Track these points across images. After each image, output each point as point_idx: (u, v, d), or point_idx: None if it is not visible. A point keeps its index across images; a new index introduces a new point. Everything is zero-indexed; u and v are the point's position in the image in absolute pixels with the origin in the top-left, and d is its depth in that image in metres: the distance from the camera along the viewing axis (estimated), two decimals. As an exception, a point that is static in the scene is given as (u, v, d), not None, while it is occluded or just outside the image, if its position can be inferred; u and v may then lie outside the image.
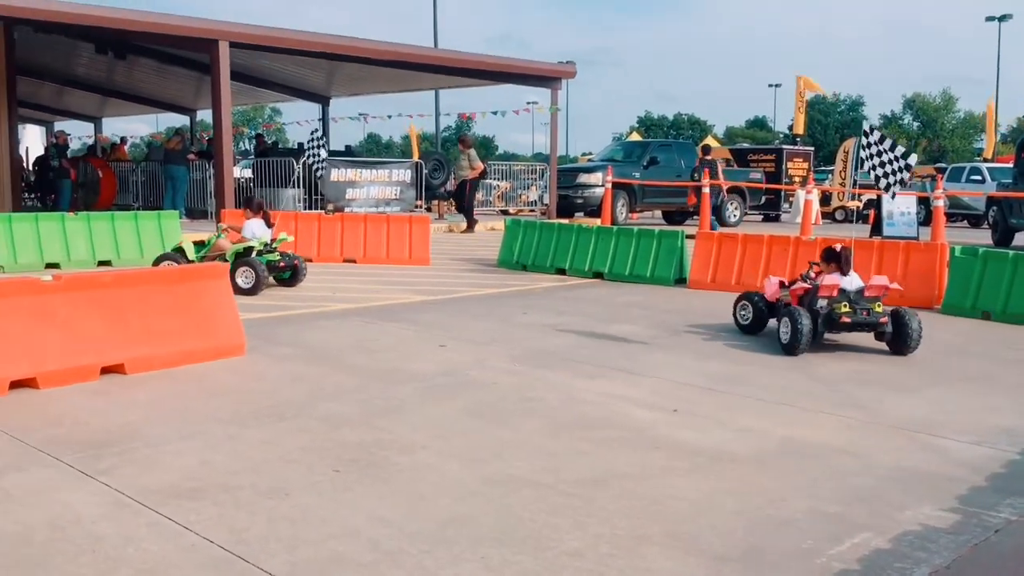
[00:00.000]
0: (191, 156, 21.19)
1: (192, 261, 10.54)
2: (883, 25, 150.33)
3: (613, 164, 21.70)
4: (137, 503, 4.02)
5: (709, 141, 36.60)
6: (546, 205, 22.98)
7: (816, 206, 21.23)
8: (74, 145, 27.95)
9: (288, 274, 10.87)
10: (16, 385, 5.83)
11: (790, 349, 7.41)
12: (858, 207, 26.38)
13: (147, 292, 6.67)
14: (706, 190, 18.55)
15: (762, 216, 26.82)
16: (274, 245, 10.87)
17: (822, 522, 3.95)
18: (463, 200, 19.97)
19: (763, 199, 25.23)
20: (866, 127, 8.68)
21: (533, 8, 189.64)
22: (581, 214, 22.28)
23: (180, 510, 3.94)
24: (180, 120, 35.37)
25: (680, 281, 11.77)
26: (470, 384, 6.30)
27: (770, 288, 8.22)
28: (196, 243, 10.89)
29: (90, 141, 31.96)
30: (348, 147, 29.22)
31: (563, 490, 4.25)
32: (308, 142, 15.46)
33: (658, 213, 24.15)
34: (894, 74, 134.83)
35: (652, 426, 5.34)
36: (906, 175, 8.46)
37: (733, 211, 23.38)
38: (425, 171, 23.55)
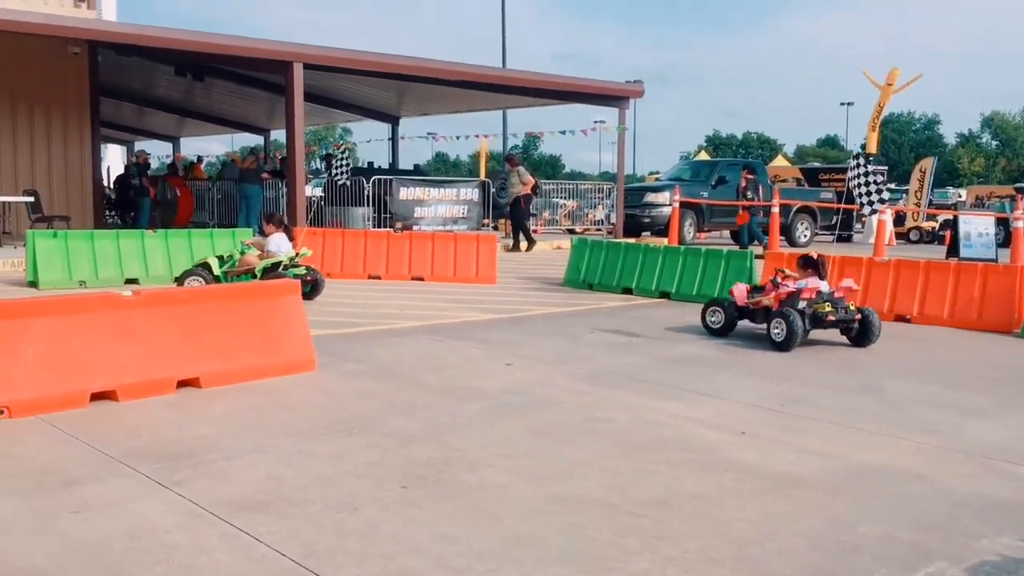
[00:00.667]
0: (265, 175, 21.67)
1: (217, 276, 10.83)
2: (960, 43, 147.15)
3: (681, 183, 21.60)
4: (210, 514, 4.11)
5: (779, 160, 36.15)
6: (613, 224, 22.95)
7: (890, 227, 20.80)
8: (153, 164, 28.80)
9: (309, 288, 11.05)
10: (96, 397, 6.02)
11: (784, 346, 8.26)
12: (933, 228, 25.76)
13: (222, 308, 6.84)
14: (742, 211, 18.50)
15: (834, 236, 26.36)
16: (297, 259, 11.12)
17: (894, 549, 3.86)
18: (518, 219, 20.04)
19: (835, 219, 24.81)
20: (854, 153, 9.81)
21: (601, 26, 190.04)
22: (648, 233, 22.18)
23: (251, 522, 4.02)
24: (254, 140, 36.21)
25: (749, 302, 11.61)
26: (537, 403, 6.32)
27: (740, 294, 9.04)
28: (219, 258, 11.14)
29: (168, 160, 32.88)
30: (416, 166, 29.60)
31: (631, 511, 4.23)
32: (338, 156, 15.55)
33: (726, 233, 23.92)
34: (972, 92, 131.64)
35: (720, 448, 5.29)
36: (885, 200, 9.95)
37: (803, 231, 23.06)
38: (492, 190, 23.71)
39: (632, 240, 17.96)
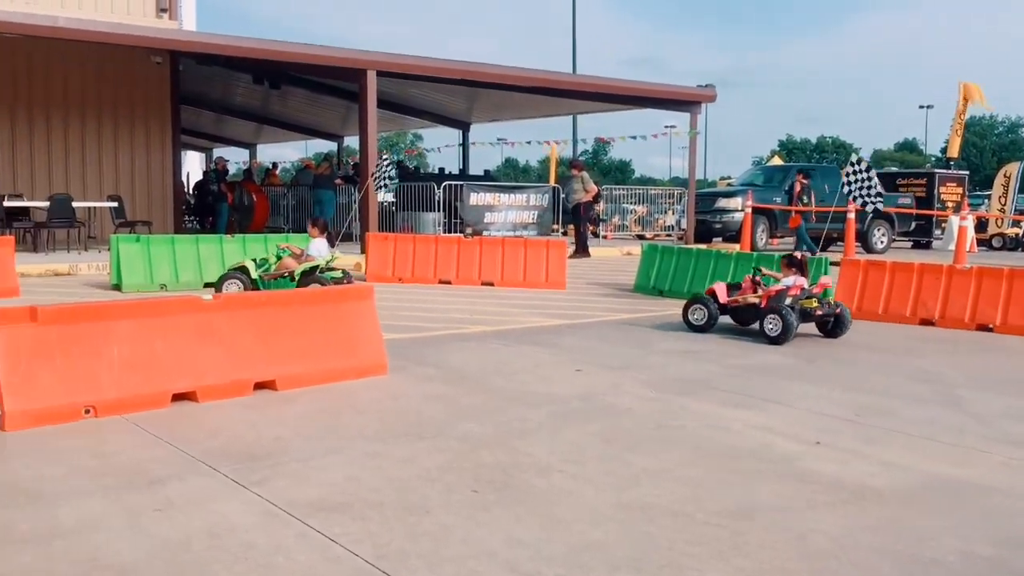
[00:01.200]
0: (338, 181, 22.02)
1: (254, 279, 11.03)
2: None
3: (753, 189, 21.33)
4: (287, 514, 4.20)
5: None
6: (684, 230, 22.76)
7: (971, 233, 20.26)
8: (230, 170, 29.51)
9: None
10: (177, 398, 6.20)
11: (780, 340, 8.90)
12: (1017, 234, 25.00)
13: (298, 312, 6.98)
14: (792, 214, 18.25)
15: (912, 243, 25.74)
16: (332, 263, 11.30)
17: (975, 565, 3.77)
18: (579, 224, 20.00)
19: (913, 225, 24.24)
20: (854, 158, 10.58)
21: (671, 30, 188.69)
22: (719, 239, 21.95)
23: (327, 523, 4.10)
24: (327, 146, 36.83)
25: (823, 309, 11.42)
26: (607, 409, 6.31)
27: (722, 292, 9.68)
28: (254, 261, 11.33)
29: (245, 166, 33.68)
30: (487, 171, 29.77)
31: (703, 520, 4.20)
32: (379, 164, 15.46)
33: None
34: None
35: (794, 457, 5.21)
36: (880, 204, 10.81)
37: (880, 237, 22.57)
38: (562, 195, 23.71)
39: (703, 246, 17.79)
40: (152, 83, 20.03)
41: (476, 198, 21.15)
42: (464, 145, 28.83)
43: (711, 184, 49.48)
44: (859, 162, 10.55)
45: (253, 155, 37.12)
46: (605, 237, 24.85)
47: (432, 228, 20.26)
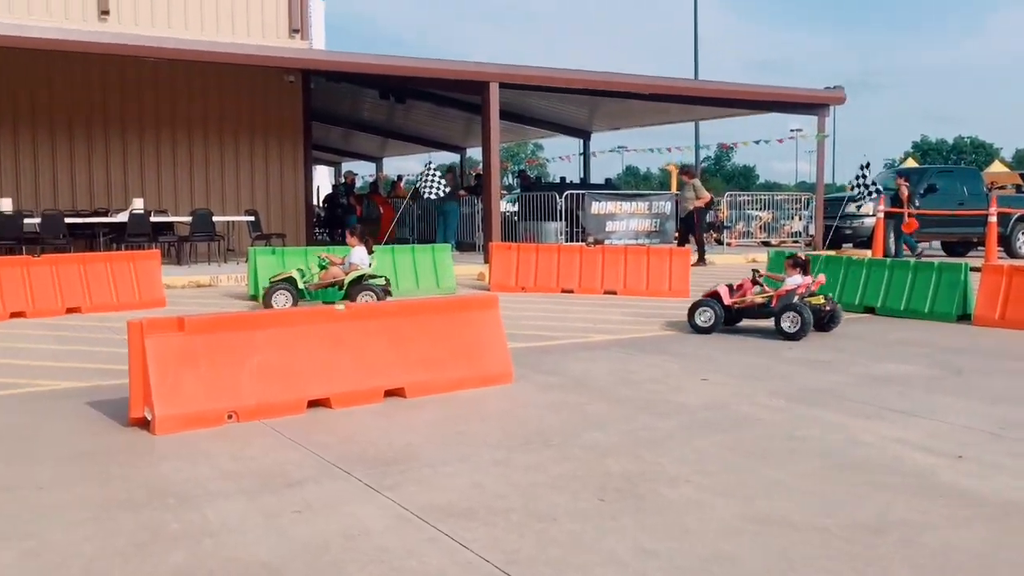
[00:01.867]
0: (461, 192, 22.37)
1: (300, 290, 11.23)
2: None
3: (885, 192, 20.59)
4: (419, 519, 4.31)
5: (996, 166, 33.70)
6: (811, 236, 22.16)
7: None
8: (357, 183, 30.36)
9: (384, 298, 11.44)
10: (312, 404, 6.43)
11: (798, 336, 9.45)
12: None
13: (426, 321, 7.14)
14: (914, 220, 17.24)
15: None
16: (372, 270, 11.51)
17: None
18: (691, 231, 19.68)
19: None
20: (863, 162, 11.49)
21: (796, 31, 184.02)
22: (850, 245, 21.27)
23: (456, 528, 4.18)
24: (450, 158, 37.45)
25: (963, 318, 10.95)
26: (735, 419, 6.22)
27: (725, 293, 10.04)
28: (299, 270, 11.52)
29: (371, 179, 34.58)
30: (608, 180, 29.69)
31: (837, 534, 4.10)
32: (423, 173, 15.73)
33: (937, 243, 22.59)
34: None
35: (933, 472, 5.02)
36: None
37: (1024, 242, 21.45)
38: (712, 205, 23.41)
39: (833, 252, 17.29)
40: (285, 101, 20.84)
41: (598, 207, 21.14)
42: (585, 154, 28.84)
43: (840, 188, 47.97)
44: (868, 167, 11.59)
45: (379, 168, 38.09)
46: (729, 244, 24.44)
47: (554, 237, 20.35)
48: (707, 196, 19.64)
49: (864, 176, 19.04)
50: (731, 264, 20.18)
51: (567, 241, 19.91)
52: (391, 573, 3.72)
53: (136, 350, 5.88)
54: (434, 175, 15.51)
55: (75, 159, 19.02)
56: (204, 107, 20.19)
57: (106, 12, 18.54)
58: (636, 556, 3.86)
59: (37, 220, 15.88)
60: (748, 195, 26.71)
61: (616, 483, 4.83)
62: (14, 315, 11.20)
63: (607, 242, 19.60)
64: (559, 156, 25.82)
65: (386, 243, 19.79)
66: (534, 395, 7.00)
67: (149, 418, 5.81)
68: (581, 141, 29.14)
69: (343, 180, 25.08)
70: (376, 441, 5.68)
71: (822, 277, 10.31)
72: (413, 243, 18.79)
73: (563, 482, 4.86)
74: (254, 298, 12.87)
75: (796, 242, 23.99)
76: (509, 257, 14.83)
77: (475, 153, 33.19)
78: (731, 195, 25.07)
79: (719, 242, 24.48)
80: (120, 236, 16.49)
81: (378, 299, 11.14)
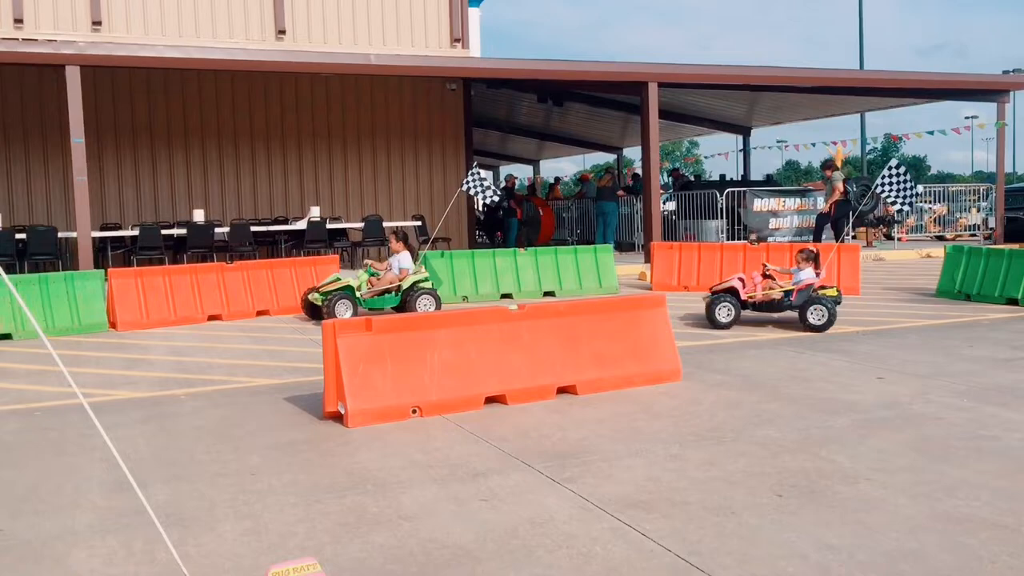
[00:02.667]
0: (620, 192, 22.46)
1: (357, 298, 11.34)
2: None
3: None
4: (599, 509, 4.50)
5: None
6: (992, 229, 21.03)
7: None
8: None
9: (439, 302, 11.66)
10: (489, 401, 6.73)
11: (825, 328, 9.78)
12: None
13: (596, 320, 7.33)
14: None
15: None
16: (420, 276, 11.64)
17: None
18: (823, 226, 19.10)
19: None
20: (893, 162, 10.97)
21: (971, 13, 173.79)
22: (1034, 238, 20.07)
23: (636, 519, 4.35)
24: (605, 158, 37.58)
25: None
26: (913, 418, 6.10)
27: (742, 289, 10.28)
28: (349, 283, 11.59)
29: (528, 183, 35.12)
30: (769, 176, 29.06)
31: (1026, 533, 4.02)
32: (470, 175, 13.60)
33: None
34: None
35: None
36: (909, 205, 11.02)
37: None
38: (850, 197, 22.70)
39: (1016, 246, 16.39)
40: (448, 108, 21.51)
41: (760, 204, 20.77)
42: (745, 150, 28.35)
43: (1022, 178, 45.11)
44: (899, 166, 10.95)
45: (536, 171, 38.63)
46: (900, 239, 23.49)
47: (715, 236, 20.14)
48: (840, 188, 18.99)
49: (894, 178, 17.55)
50: (902, 260, 19.45)
51: (728, 240, 19.66)
52: (578, 558, 3.92)
53: (329, 349, 6.33)
54: (483, 179, 13.02)
55: (256, 171, 20.27)
56: (372, 118, 21.10)
57: (282, 32, 19.68)
58: (817, 550, 3.92)
59: (226, 229, 17.04)
60: (920, 187, 25.56)
61: (792, 479, 4.87)
62: (211, 318, 12.12)
63: (770, 239, 19.25)
64: (717, 153, 25.49)
65: (546, 245, 20.12)
66: (704, 392, 7.07)
67: (342, 412, 6.25)
68: (740, 137, 28.65)
69: (504, 183, 25.59)
70: (551, 435, 5.91)
71: (822, 273, 10.45)
72: (573, 244, 19.02)
73: (739, 477, 4.94)
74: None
75: (973, 235, 22.82)
76: (671, 256, 14.84)
77: (631, 153, 33.19)
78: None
79: (888, 237, 23.56)
80: (299, 243, 17.48)
81: (437, 302, 11.43)
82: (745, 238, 19.42)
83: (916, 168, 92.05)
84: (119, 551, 4.13)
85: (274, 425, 6.39)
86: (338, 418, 6.34)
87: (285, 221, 18.86)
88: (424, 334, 6.65)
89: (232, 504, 4.73)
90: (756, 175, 28.01)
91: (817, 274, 10.24)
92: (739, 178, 26.98)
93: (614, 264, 14.72)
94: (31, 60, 14.53)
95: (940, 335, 9.55)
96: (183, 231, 16.54)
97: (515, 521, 4.37)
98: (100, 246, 16.59)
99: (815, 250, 10.49)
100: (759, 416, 6.27)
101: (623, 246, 21.42)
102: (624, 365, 7.26)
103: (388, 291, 11.63)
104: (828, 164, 20.17)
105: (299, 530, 4.32)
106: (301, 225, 17.60)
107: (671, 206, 22.95)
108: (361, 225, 18.28)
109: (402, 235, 12.06)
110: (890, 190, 10.85)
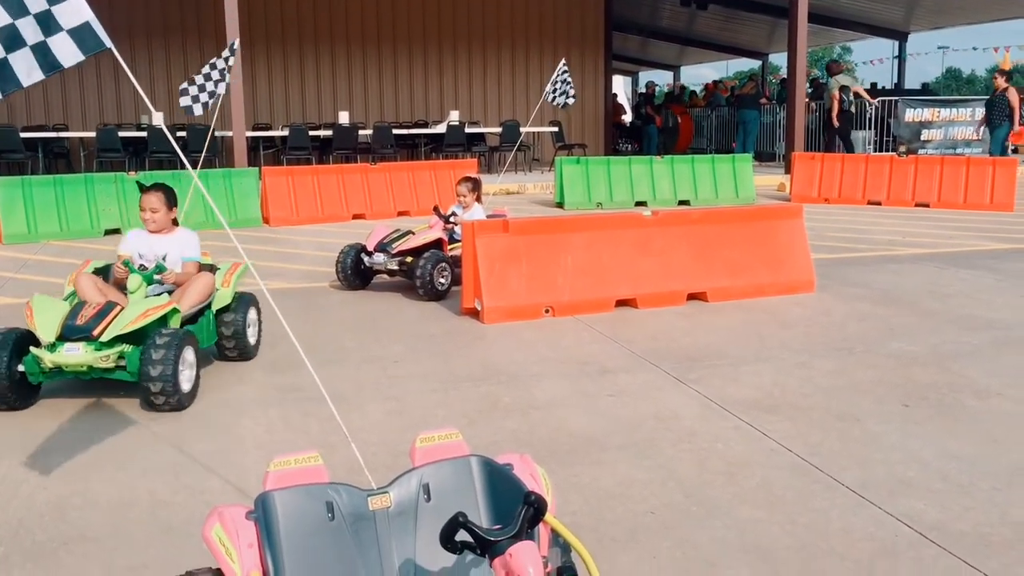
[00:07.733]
0: (763, 100, 21.79)
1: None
2: None
3: None
4: (722, 409, 4.65)
5: None
6: None
7: None
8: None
9: None
10: (620, 304, 6.91)
11: None
12: None
13: (729, 229, 7.35)
14: None
15: None
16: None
17: None
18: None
19: None
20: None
21: None
22: None
23: (759, 420, 4.49)
24: (748, 65, 36.29)
25: None
26: (1056, 338, 5.95)
27: None
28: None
29: (668, 89, 34.38)
30: (925, 85, 27.58)
31: None
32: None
33: None
34: None
35: None
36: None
37: None
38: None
39: None
40: (588, 12, 21.23)
41: (912, 114, 19.78)
42: (900, 57, 26.88)
43: None
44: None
45: (676, 77, 37.72)
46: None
47: (861, 147, 19.38)
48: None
49: None
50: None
51: (876, 151, 18.90)
52: (700, 452, 4.10)
53: (468, 249, 6.61)
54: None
55: (398, 75, 20.63)
56: (512, 20, 21.04)
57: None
58: (939, 458, 3.98)
59: (369, 132, 17.53)
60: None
61: (921, 391, 4.89)
62: (355, 216, 12.65)
63: (920, 152, 18.41)
64: (869, 60, 24.23)
65: (683, 153, 19.86)
66: (837, 304, 7.04)
67: (479, 308, 6.55)
68: (896, 43, 27.14)
69: (644, 90, 25.21)
70: (680, 340, 6.05)
71: None
72: (711, 152, 18.70)
73: (866, 387, 4.99)
74: (559, 205, 13.57)
75: None
76: (812, 167, 14.45)
77: (776, 59, 31.94)
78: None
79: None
80: (438, 146, 17.83)
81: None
82: (894, 150, 18.62)
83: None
84: (277, 422, 4.56)
85: (415, 318, 6.77)
86: (475, 314, 6.65)
87: (425, 125, 19.22)
88: (559, 237, 6.84)
89: (377, 387, 5.11)
90: (912, 83, 26.59)
91: None
92: (891, 87, 25.69)
93: (752, 174, 14.46)
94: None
95: (1098, 256, 9.10)
96: (329, 133, 17.11)
97: (640, 416, 4.58)
98: (252, 145, 17.38)
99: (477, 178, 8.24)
100: (892, 329, 6.23)
101: (763, 156, 20.89)
102: (756, 274, 7.28)
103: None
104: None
105: (438, 412, 4.65)
106: (440, 129, 17.91)
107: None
108: (499, 130, 18.45)
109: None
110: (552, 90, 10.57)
